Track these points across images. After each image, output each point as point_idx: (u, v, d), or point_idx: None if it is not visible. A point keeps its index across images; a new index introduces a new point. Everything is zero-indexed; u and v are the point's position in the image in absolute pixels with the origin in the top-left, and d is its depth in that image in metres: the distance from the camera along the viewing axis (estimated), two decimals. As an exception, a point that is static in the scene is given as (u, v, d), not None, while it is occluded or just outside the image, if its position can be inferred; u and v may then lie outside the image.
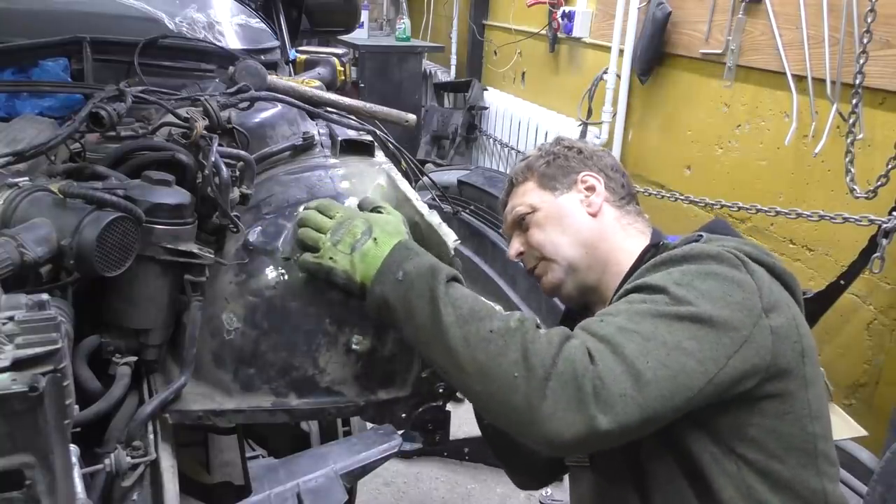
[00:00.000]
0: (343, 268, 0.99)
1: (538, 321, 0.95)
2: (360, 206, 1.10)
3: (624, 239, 1.21)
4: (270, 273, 1.06)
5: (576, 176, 1.25)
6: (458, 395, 1.15)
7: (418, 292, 0.94)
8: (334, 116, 1.40)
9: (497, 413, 0.91)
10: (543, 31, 4.17)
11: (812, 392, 1.00)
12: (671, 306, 0.93)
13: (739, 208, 2.57)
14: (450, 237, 1.05)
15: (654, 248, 1.13)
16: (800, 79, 2.51)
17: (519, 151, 4.31)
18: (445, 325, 0.91)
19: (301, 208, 1.08)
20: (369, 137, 1.35)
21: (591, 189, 1.24)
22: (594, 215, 1.22)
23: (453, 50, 5.46)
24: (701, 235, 1.09)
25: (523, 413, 0.87)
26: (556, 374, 0.86)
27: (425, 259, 0.98)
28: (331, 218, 1.03)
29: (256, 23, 1.81)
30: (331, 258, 0.99)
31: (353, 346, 1.06)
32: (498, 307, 0.97)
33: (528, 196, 1.27)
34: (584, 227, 1.21)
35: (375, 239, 1.00)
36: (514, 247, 1.28)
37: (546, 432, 0.86)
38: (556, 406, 0.85)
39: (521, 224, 1.27)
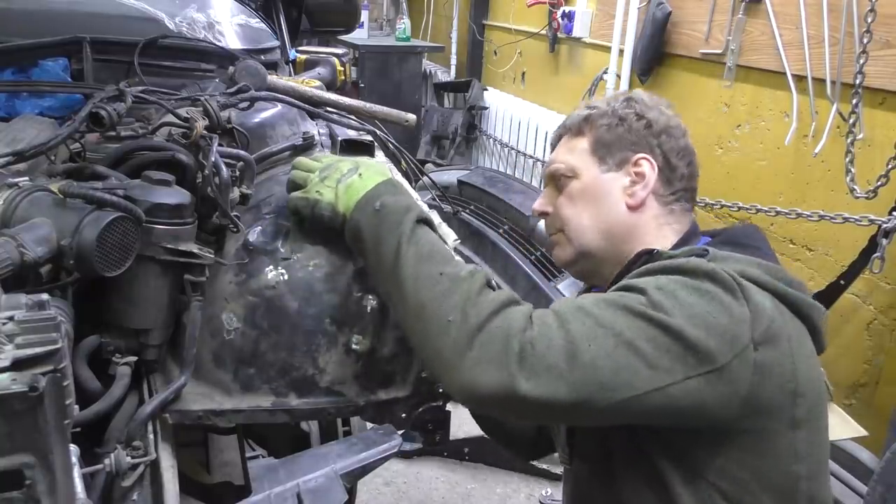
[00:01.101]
0: (328, 200, 1.02)
1: (492, 281, 0.94)
2: None
3: (654, 240, 1.09)
4: (270, 273, 1.06)
5: (631, 155, 1.10)
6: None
7: (389, 226, 0.96)
8: (334, 116, 1.40)
9: (426, 355, 0.92)
10: (543, 31, 4.17)
11: (802, 433, 0.92)
12: (643, 307, 0.87)
13: (739, 208, 2.57)
14: (450, 237, 1.05)
15: (647, 255, 1.02)
16: (800, 79, 2.51)
17: (519, 151, 4.30)
18: (402, 260, 0.93)
19: None
20: (369, 137, 1.35)
21: (640, 176, 1.09)
22: (633, 208, 1.09)
23: (453, 50, 5.46)
24: (706, 251, 0.96)
25: (447, 359, 0.86)
26: (489, 328, 0.85)
27: (405, 197, 1.00)
28: (321, 162, 1.07)
29: (256, 23, 1.81)
30: (317, 192, 1.03)
31: (353, 346, 1.06)
32: (459, 258, 0.97)
33: (575, 156, 1.13)
34: (616, 218, 1.09)
35: (361, 174, 1.03)
36: (541, 203, 1.18)
37: (463, 382, 0.85)
38: (479, 358, 0.84)
39: (557, 182, 1.16)
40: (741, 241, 1.04)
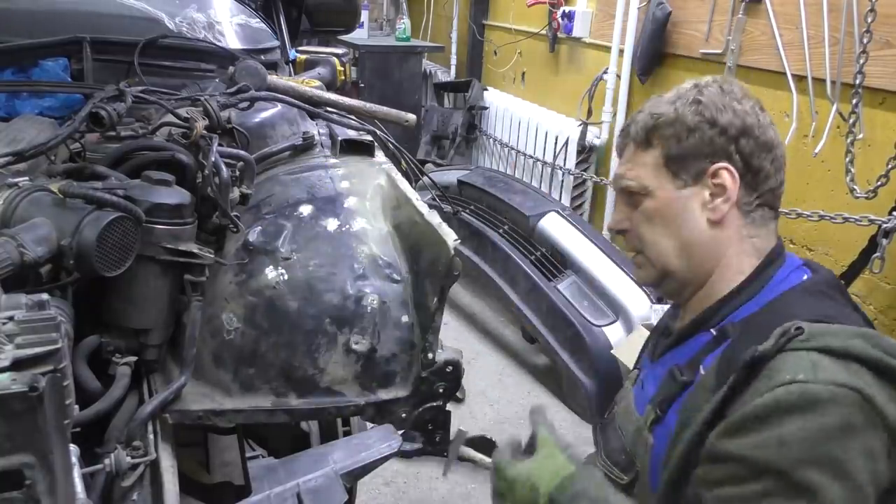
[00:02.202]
0: None
1: None
2: (509, 449, 1.04)
3: (736, 255, 1.02)
4: (270, 273, 1.06)
5: (708, 166, 1.00)
6: (458, 394, 1.14)
7: None
8: (334, 116, 1.40)
9: None
10: (543, 31, 4.17)
11: None
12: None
13: (739, 208, 2.57)
14: (450, 237, 1.05)
15: (749, 363, 0.85)
16: (800, 79, 2.51)
17: (519, 151, 4.30)
18: None
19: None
20: (369, 137, 1.36)
21: (721, 188, 1.00)
22: (715, 223, 1.01)
23: (453, 50, 5.46)
24: (801, 328, 0.85)
25: None
26: None
27: None
28: (505, 481, 0.99)
29: (256, 23, 1.81)
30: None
31: (353, 346, 1.06)
32: None
33: (646, 172, 1.04)
34: (698, 237, 1.02)
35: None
36: (617, 220, 1.10)
37: None
38: None
39: (630, 197, 1.07)
40: (827, 290, 0.97)
